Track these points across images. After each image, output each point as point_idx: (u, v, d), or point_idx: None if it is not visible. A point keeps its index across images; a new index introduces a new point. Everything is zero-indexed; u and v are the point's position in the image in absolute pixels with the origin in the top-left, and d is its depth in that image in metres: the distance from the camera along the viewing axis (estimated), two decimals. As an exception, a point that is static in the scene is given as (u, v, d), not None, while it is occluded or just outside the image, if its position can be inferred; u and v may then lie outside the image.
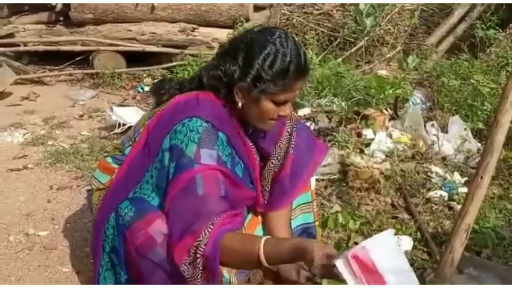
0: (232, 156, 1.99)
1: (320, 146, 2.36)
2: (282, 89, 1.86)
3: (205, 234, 1.72)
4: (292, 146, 2.20)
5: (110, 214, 2.00)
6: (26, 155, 3.68)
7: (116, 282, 2.05)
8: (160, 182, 1.93)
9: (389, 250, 1.61)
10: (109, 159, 2.20)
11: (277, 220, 2.25)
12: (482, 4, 5.69)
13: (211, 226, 1.73)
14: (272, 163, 2.20)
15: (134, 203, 1.94)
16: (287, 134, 2.20)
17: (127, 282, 2.01)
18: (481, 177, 2.08)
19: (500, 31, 5.20)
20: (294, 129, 2.22)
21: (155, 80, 5.26)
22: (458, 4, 5.93)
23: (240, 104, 1.93)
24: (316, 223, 2.39)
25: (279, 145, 2.19)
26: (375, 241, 1.60)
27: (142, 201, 1.94)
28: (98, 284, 2.10)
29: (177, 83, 2.15)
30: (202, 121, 1.87)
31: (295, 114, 2.33)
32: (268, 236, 1.85)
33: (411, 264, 2.44)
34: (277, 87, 1.85)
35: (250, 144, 2.10)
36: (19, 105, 4.73)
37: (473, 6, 5.78)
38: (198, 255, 1.72)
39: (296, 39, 1.97)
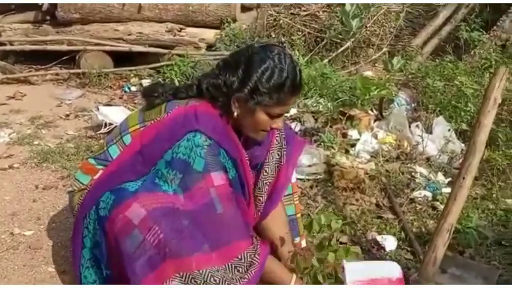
0: (231, 169, 2.04)
1: (298, 140, 2.43)
2: (277, 103, 1.97)
3: (257, 244, 1.98)
4: (284, 155, 2.25)
5: (90, 209, 2.02)
6: (12, 155, 3.66)
7: (98, 278, 2.07)
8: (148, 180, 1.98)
9: None
10: (91, 161, 2.21)
11: (273, 220, 2.29)
12: (467, 6, 5.75)
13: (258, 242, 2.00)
14: (266, 171, 2.23)
15: (114, 192, 1.96)
16: (277, 142, 2.24)
17: (108, 277, 2.03)
18: (463, 178, 2.12)
19: (484, 33, 5.25)
20: (284, 137, 2.27)
21: (142, 80, 5.27)
22: (444, 6, 5.99)
23: (235, 114, 2.01)
24: (298, 215, 2.43)
25: (271, 153, 2.23)
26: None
27: (121, 190, 1.96)
28: (81, 283, 2.11)
29: (172, 88, 2.18)
30: (205, 136, 1.95)
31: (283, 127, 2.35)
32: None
33: (398, 261, 2.49)
34: (273, 101, 1.96)
35: (246, 156, 2.13)
36: (5, 104, 4.70)
37: (458, 8, 5.84)
38: (255, 261, 1.93)
39: (291, 54, 2.06)
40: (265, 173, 2.24)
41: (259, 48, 2.05)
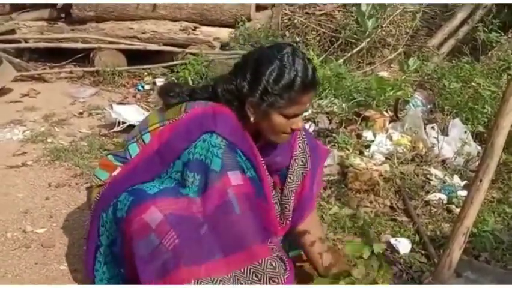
0: (248, 169, 2.01)
1: (322, 149, 2.41)
2: (289, 103, 1.93)
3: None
4: (308, 161, 2.22)
5: (108, 208, 2.01)
6: (25, 152, 3.68)
7: (115, 275, 2.06)
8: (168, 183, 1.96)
9: None
10: (110, 157, 2.21)
11: (307, 226, 2.25)
12: (485, 7, 5.69)
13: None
14: (291, 178, 2.20)
15: (132, 193, 1.94)
16: (300, 149, 2.21)
17: (123, 276, 2.02)
18: (480, 181, 2.08)
19: (502, 34, 5.19)
20: (306, 142, 2.23)
21: (156, 79, 5.27)
22: (461, 6, 5.94)
23: (252, 119, 1.99)
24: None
25: (295, 159, 2.20)
26: None
27: (139, 191, 1.93)
28: (95, 278, 2.10)
29: (188, 89, 2.16)
30: (221, 137, 1.92)
31: (304, 133, 2.32)
32: None
33: (410, 267, 2.46)
34: (284, 101, 1.92)
35: (261, 159, 2.10)
36: (19, 101, 4.73)
37: (475, 9, 5.78)
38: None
39: (305, 53, 2.00)
40: (290, 180, 2.20)
41: (267, 48, 2.03)
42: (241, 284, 1.88)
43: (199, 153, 1.90)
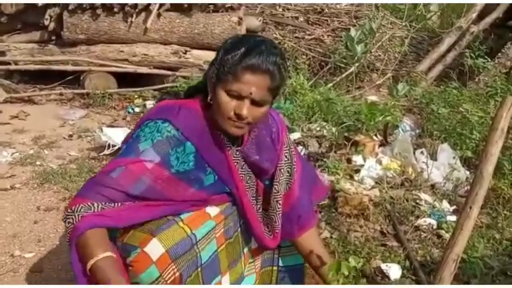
0: (199, 168, 1.96)
1: (322, 184, 2.42)
2: (233, 77, 1.82)
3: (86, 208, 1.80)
4: (294, 172, 2.19)
5: None
6: (14, 175, 3.65)
7: None
8: None
9: None
10: None
11: (306, 242, 2.21)
12: (471, 33, 5.78)
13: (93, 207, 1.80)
14: (276, 189, 2.14)
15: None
16: (286, 159, 2.17)
17: None
18: (470, 207, 2.09)
19: (489, 60, 5.26)
20: (293, 153, 2.20)
21: (147, 102, 5.29)
22: (448, 33, 6.03)
23: (209, 97, 1.93)
24: (306, 264, 2.34)
25: (280, 169, 2.15)
26: None
27: None
28: None
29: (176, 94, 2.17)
30: (172, 127, 1.89)
31: (292, 140, 2.30)
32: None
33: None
34: (230, 74, 1.82)
35: (235, 160, 2.05)
36: (8, 124, 4.71)
37: (462, 35, 5.88)
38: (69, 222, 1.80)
39: (282, 51, 1.96)
40: (275, 191, 2.14)
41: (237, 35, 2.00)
42: None
43: (142, 130, 1.89)
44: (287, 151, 2.18)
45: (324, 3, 6.82)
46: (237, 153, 2.05)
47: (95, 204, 1.80)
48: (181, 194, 1.94)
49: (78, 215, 1.78)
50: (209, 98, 1.92)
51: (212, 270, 1.96)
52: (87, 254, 1.73)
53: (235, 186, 2.05)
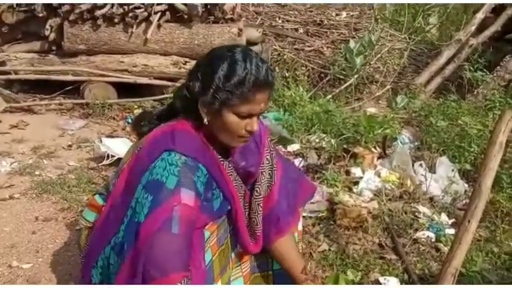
0: (211, 188, 1.96)
1: (308, 183, 2.42)
2: (241, 100, 1.85)
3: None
4: (274, 175, 2.20)
5: (97, 257, 1.98)
6: (13, 185, 3.65)
7: None
8: (131, 221, 1.87)
9: None
10: (97, 197, 2.19)
11: (282, 246, 2.22)
12: (470, 46, 5.81)
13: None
14: (257, 191, 2.17)
15: (116, 250, 1.91)
16: (267, 161, 2.19)
17: None
18: (469, 221, 2.10)
19: (488, 73, 5.28)
20: (274, 155, 2.22)
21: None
22: (447, 45, 6.06)
23: (205, 120, 1.91)
24: None
25: (262, 172, 2.17)
26: None
27: (121, 246, 1.88)
28: None
29: (156, 114, 2.14)
30: (180, 155, 1.86)
31: (271, 143, 2.30)
32: None
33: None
34: (237, 98, 1.84)
35: (229, 173, 2.06)
36: (8, 133, 4.71)
37: (461, 47, 5.91)
38: None
39: (258, 53, 1.97)
40: (256, 193, 2.16)
41: (218, 48, 1.99)
42: None
43: (157, 173, 1.83)
44: (268, 153, 2.20)
45: (324, 17, 6.86)
46: (230, 165, 2.06)
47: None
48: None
49: None
50: (205, 120, 1.91)
51: (208, 280, 1.96)
52: None
53: (233, 200, 2.06)
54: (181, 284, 1.72)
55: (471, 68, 5.24)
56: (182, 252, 1.77)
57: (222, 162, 2.02)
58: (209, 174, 1.93)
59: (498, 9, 6.33)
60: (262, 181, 2.18)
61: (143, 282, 1.72)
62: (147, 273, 1.72)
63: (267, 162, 2.19)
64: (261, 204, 2.17)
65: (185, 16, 5.68)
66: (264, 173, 2.18)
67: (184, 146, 1.89)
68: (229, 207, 2.06)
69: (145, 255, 1.74)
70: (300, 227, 2.38)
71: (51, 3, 5.46)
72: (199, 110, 1.91)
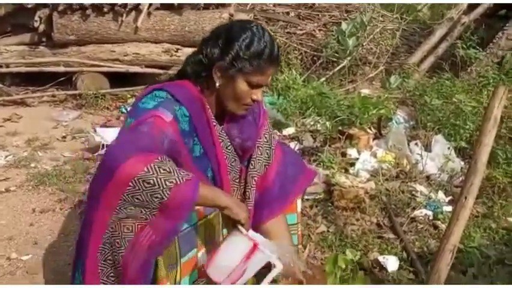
0: (190, 133, 2.00)
1: (308, 169, 2.42)
2: (257, 70, 1.98)
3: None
4: (272, 154, 2.26)
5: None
6: (8, 178, 3.64)
7: None
8: None
9: None
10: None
11: (273, 228, 2.23)
12: (462, 24, 5.79)
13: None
14: (252, 165, 2.20)
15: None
16: (265, 140, 2.24)
17: None
18: (466, 198, 2.10)
19: (481, 50, 5.27)
20: (272, 136, 2.29)
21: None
22: (439, 24, 6.04)
23: (217, 84, 2.01)
24: (300, 246, 2.39)
25: (259, 147, 2.22)
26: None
27: None
28: None
29: (164, 80, 2.23)
30: (168, 94, 1.97)
31: (271, 127, 2.36)
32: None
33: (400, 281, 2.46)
34: (252, 67, 1.97)
35: (220, 137, 2.08)
36: (1, 126, 4.70)
37: (454, 26, 5.89)
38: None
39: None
40: (252, 167, 2.21)
41: (237, 21, 2.20)
42: None
43: (142, 102, 1.96)
44: (267, 133, 2.26)
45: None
46: (222, 131, 2.11)
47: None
48: (181, 160, 1.97)
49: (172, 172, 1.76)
50: (218, 84, 2.01)
51: (188, 241, 1.96)
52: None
53: (217, 163, 2.09)
54: (158, 160, 1.75)
55: (464, 45, 5.22)
56: (148, 145, 1.82)
57: (214, 124, 2.07)
58: (191, 118, 1.99)
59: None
60: (258, 156, 2.22)
61: (106, 176, 1.76)
62: (105, 165, 1.80)
63: (265, 140, 2.24)
64: (256, 179, 2.21)
65: (176, 3, 5.63)
66: (260, 148, 2.22)
67: (176, 90, 2.00)
68: (209, 167, 2.08)
69: (107, 150, 1.88)
70: (299, 209, 2.38)
71: (39, -5, 5.42)
72: (213, 73, 2.00)
